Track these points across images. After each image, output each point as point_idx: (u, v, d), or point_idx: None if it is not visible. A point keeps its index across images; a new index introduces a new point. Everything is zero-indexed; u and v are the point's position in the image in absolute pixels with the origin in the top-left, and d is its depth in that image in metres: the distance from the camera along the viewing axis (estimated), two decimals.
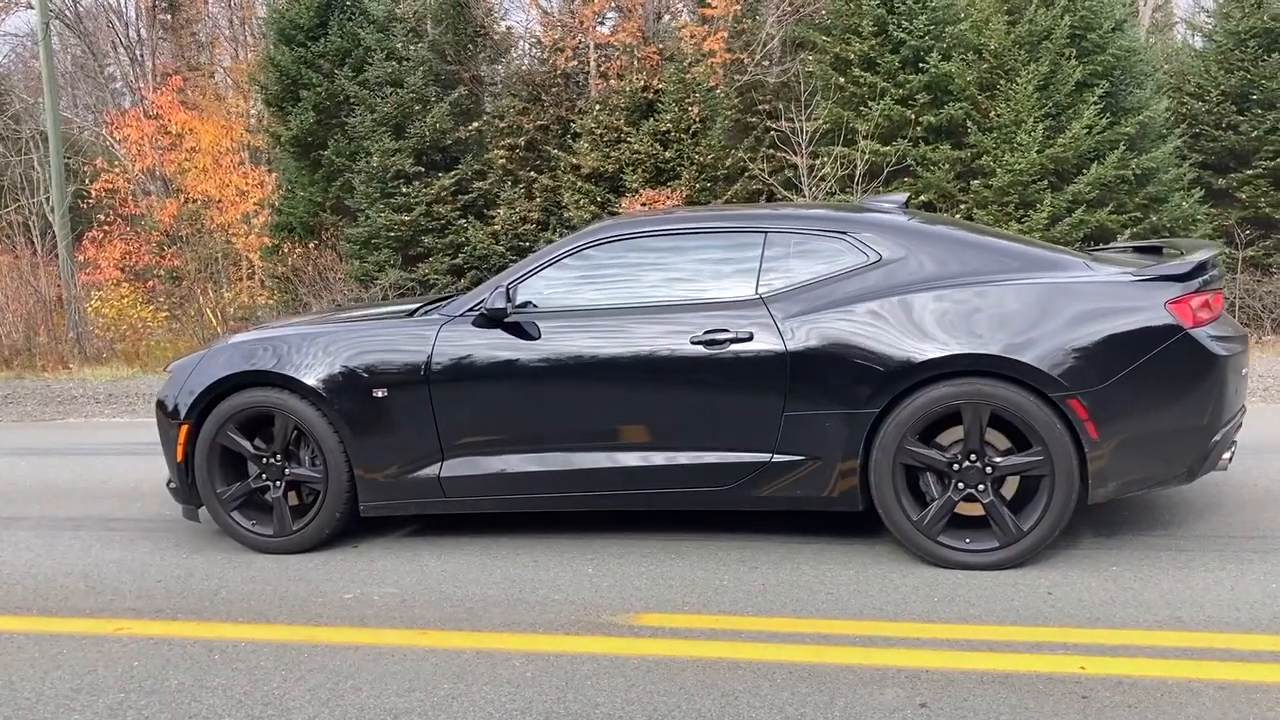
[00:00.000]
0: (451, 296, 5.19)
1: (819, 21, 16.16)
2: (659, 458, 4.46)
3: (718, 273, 4.55)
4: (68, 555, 5.03)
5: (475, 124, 17.27)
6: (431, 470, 4.66)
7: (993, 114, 14.25)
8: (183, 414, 4.87)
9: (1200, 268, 4.16)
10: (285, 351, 4.80)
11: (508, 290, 4.58)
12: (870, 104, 14.78)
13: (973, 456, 4.14)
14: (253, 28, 23.32)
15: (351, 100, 16.86)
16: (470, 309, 4.70)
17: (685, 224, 4.78)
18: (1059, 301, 4.11)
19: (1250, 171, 14.93)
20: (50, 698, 3.44)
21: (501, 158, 16.83)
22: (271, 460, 4.83)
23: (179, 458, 4.92)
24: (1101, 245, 6.96)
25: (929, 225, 4.65)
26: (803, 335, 4.28)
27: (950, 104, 14.55)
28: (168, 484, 5.14)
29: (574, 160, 16.33)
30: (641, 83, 16.27)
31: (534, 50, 18.70)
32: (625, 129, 16.15)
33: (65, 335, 16.98)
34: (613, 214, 15.46)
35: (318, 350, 4.77)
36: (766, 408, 4.32)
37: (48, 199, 19.64)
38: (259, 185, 17.95)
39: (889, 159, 14.54)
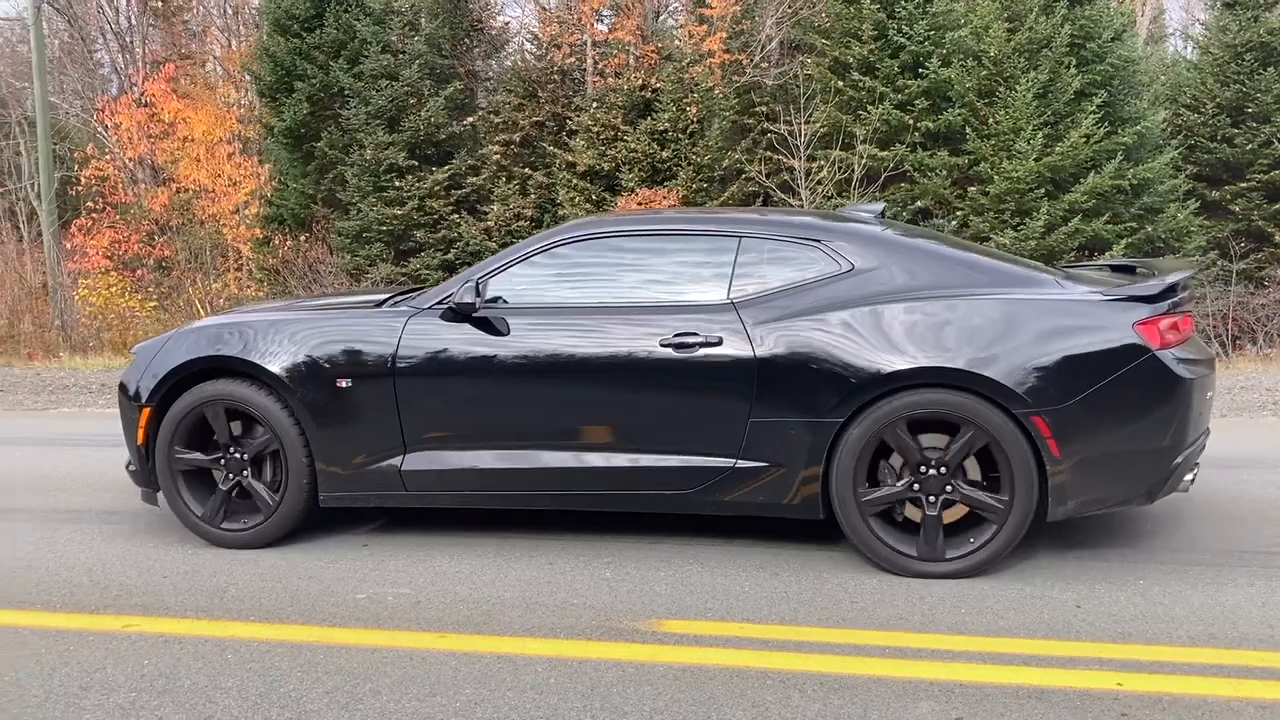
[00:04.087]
0: (422, 289, 5.12)
1: (818, 24, 16.13)
2: (622, 459, 4.44)
3: (691, 276, 4.53)
4: (69, 548, 4.93)
5: (470, 119, 17.18)
6: (394, 463, 4.62)
7: (991, 121, 14.26)
8: (144, 398, 4.82)
9: (1171, 290, 4.15)
10: (250, 337, 4.75)
11: (477, 285, 4.52)
12: (869, 108, 14.77)
13: (934, 467, 4.16)
14: (245, 17, 23.13)
15: (346, 93, 16.75)
16: (439, 302, 4.66)
17: (660, 225, 4.80)
18: (1027, 318, 4.11)
19: (1244, 184, 15.03)
20: (60, 695, 3.35)
21: (496, 153, 16.73)
22: (232, 452, 4.80)
23: (140, 440, 4.87)
24: (1077, 264, 7.06)
25: (903, 237, 4.64)
26: (771, 342, 4.27)
27: (949, 110, 14.56)
28: (126, 466, 5.08)
29: (570, 158, 16.26)
30: (639, 81, 16.21)
31: (531, 46, 18.59)
32: (622, 127, 16.08)
33: (51, 323, 16.80)
34: (606, 212, 15.40)
35: (283, 338, 4.72)
36: (733, 413, 4.31)
37: (34, 185, 19.40)
38: (251, 176, 17.78)
39: (887, 164, 14.53)
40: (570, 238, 4.69)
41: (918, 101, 14.62)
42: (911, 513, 4.27)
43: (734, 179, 15.88)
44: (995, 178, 13.95)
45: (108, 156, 19.29)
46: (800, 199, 14.70)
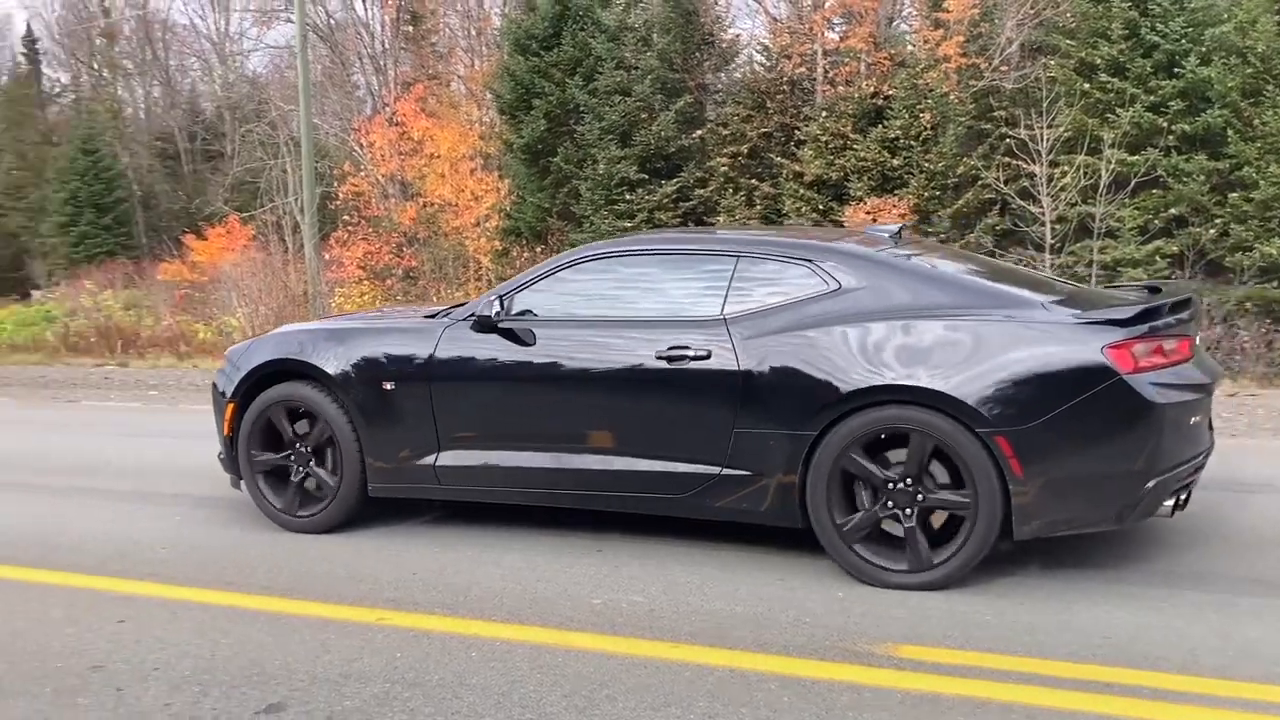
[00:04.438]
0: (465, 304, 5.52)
1: (1062, 25, 15.40)
2: (620, 463, 4.71)
3: (691, 293, 4.75)
4: (331, 544, 5.27)
5: (699, 131, 17.36)
6: (429, 460, 5.07)
7: (1257, 122, 13.20)
8: (229, 394, 5.44)
9: (1150, 313, 4.17)
10: (314, 344, 5.30)
11: (500, 299, 4.94)
12: (1117, 111, 13.99)
13: (907, 480, 4.24)
14: (488, 38, 24.23)
15: (581, 108, 17.26)
16: (469, 315, 5.05)
17: (665, 246, 5.10)
18: (998, 340, 4.15)
19: None
20: (323, 680, 3.59)
21: (724, 165, 16.83)
22: (298, 447, 5.36)
23: (226, 432, 5.50)
24: (1115, 285, 6.73)
25: (893, 258, 4.65)
26: (756, 357, 4.44)
27: (1208, 111, 13.59)
28: (218, 456, 5.64)
29: (797, 168, 16.17)
30: (871, 89, 15.94)
31: (760, 57, 18.61)
32: (852, 136, 15.86)
33: None
34: (836, 223, 15.23)
35: (341, 344, 5.25)
36: (719, 423, 4.50)
37: (298, 200, 20.98)
38: (492, 191, 18.61)
39: (1137, 169, 13.71)
40: (584, 257, 5.04)
41: (1172, 103, 13.72)
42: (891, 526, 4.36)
43: (968, 186, 15.35)
44: (1261, 183, 12.90)
45: (362, 173, 20.65)
46: (1041, 206, 14.05)
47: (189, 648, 3.93)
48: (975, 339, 4.16)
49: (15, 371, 13.54)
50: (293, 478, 5.39)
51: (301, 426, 5.37)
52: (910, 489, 4.22)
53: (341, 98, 26.90)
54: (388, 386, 5.10)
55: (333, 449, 5.26)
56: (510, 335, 4.91)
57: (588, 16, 17.83)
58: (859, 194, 15.38)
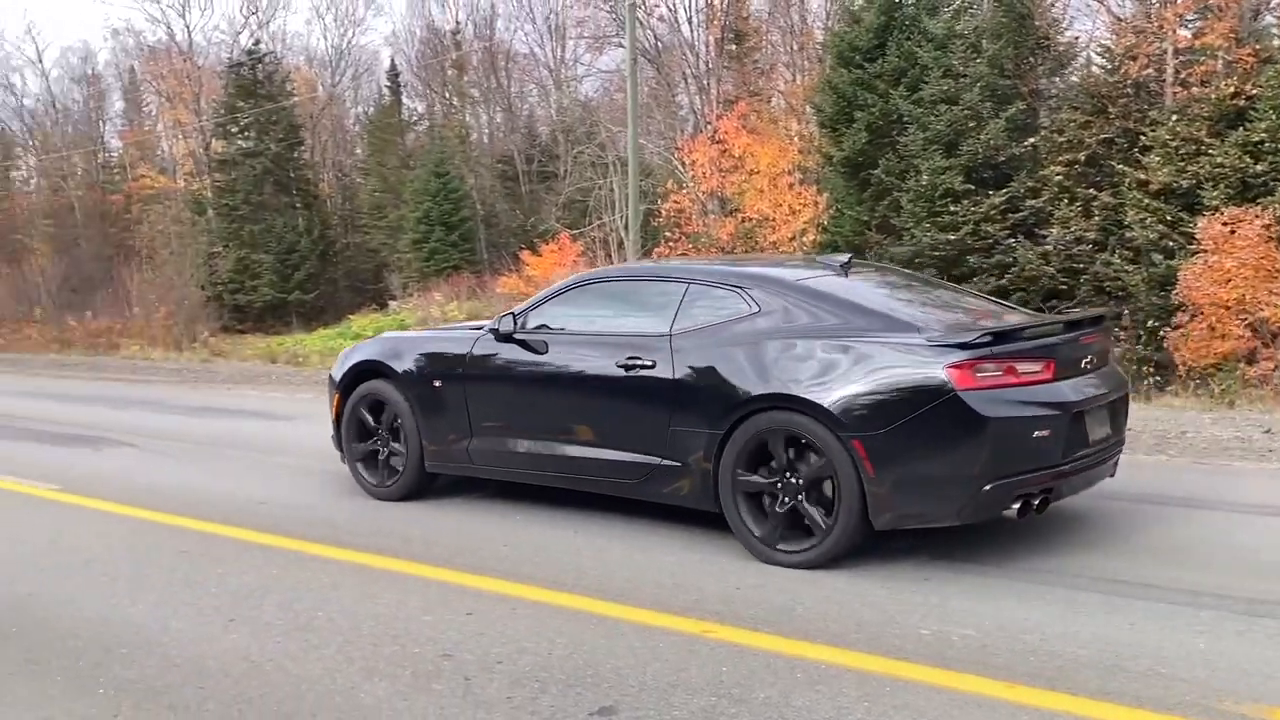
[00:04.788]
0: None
1: None
2: (593, 452, 5.71)
3: (651, 313, 5.66)
4: (660, 553, 5.39)
5: (1031, 139, 16.55)
6: (465, 444, 6.24)
7: None
8: (337, 385, 6.86)
9: (997, 337, 4.77)
10: (392, 349, 6.71)
11: (514, 316, 6.09)
12: None
13: (788, 474, 4.99)
14: (810, 53, 24.27)
15: (905, 119, 16.89)
16: (492, 328, 6.18)
17: (639, 274, 6.51)
18: (864, 358, 4.84)
19: None
20: (652, 688, 3.69)
21: (1058, 174, 15.93)
22: (381, 433, 6.67)
23: (334, 417, 6.89)
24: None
25: (805, 284, 5.42)
26: (686, 367, 5.30)
27: None
28: (332, 436, 6.97)
29: (1141, 175, 15.03)
30: (1231, 88, 14.56)
31: (1101, 59, 17.45)
32: (1206, 140, 14.56)
33: None
34: (1184, 234, 14.05)
35: (409, 349, 6.62)
36: (659, 421, 5.39)
37: (623, 218, 21.89)
38: (809, 205, 18.59)
39: None
40: (578, 283, 6.27)
41: None
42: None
43: None
44: None
45: (684, 190, 21.23)
46: None
47: (527, 644, 4.16)
48: (846, 356, 4.89)
49: None
50: (380, 457, 6.69)
51: (383, 416, 6.63)
52: (793, 482, 4.96)
53: (665, 117, 27.81)
54: (436, 384, 6.31)
55: (401, 433, 6.51)
56: (522, 345, 6.01)
57: (914, 26, 17.45)
58: (1214, 203, 14.05)
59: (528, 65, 41.08)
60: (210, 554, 5.69)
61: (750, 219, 19.28)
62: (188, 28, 41.25)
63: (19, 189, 47.43)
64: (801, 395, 4.89)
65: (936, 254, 16.10)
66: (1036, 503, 4.85)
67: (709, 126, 22.02)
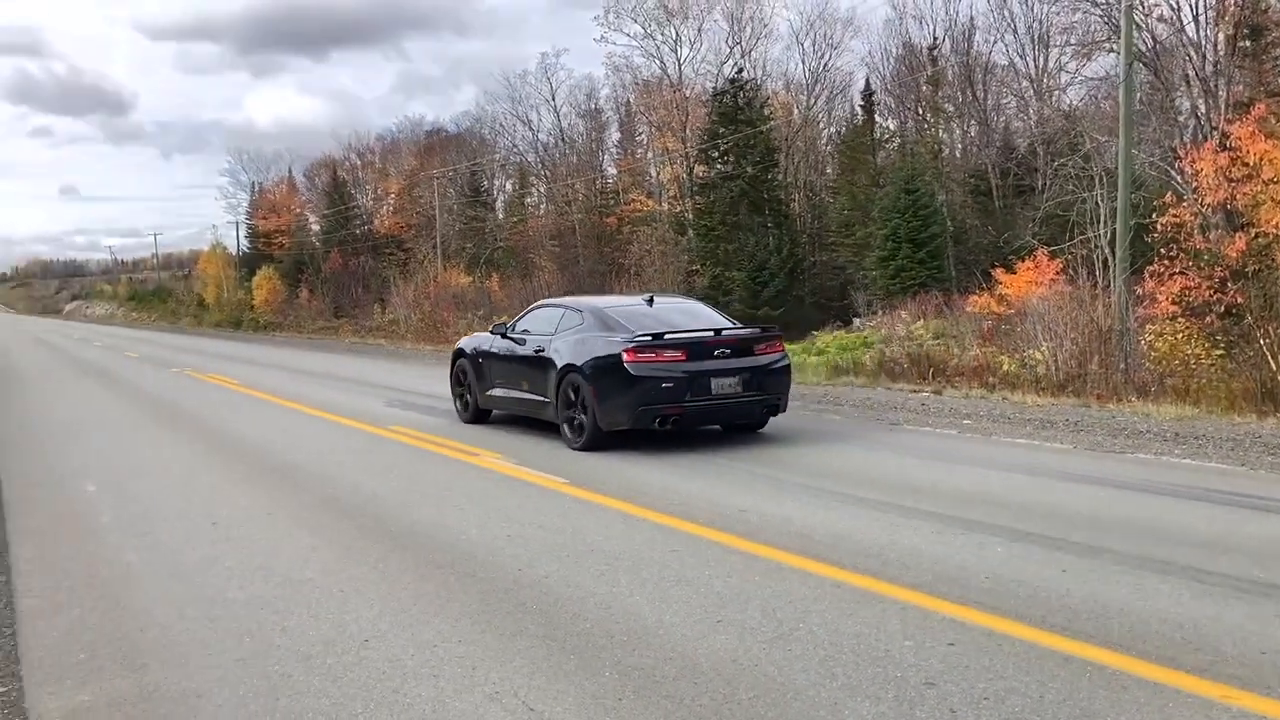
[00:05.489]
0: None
1: None
2: (531, 395, 11.01)
3: (552, 323, 11.12)
4: (1163, 601, 4.94)
5: None
6: (488, 393, 11.93)
7: None
8: (453, 359, 12.93)
9: (656, 337, 9.88)
10: (472, 342, 12.62)
11: (505, 324, 12.05)
12: None
13: (571, 399, 10.30)
14: None
15: None
16: (501, 331, 11.96)
17: (556, 303, 12.19)
18: (596, 344, 10.16)
19: None
20: None
21: None
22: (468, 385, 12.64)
23: (451, 378, 13.05)
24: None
25: (594, 306, 11.14)
26: (552, 352, 10.62)
27: None
28: (452, 389, 13.19)
29: None
30: None
31: None
32: None
33: (1115, 366, 17.34)
34: None
35: (477, 343, 12.46)
36: (548, 379, 10.58)
37: (1108, 233, 20.29)
38: None
39: None
40: (533, 308, 12.18)
41: None
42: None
43: None
44: None
45: (1184, 203, 19.28)
46: None
47: (1016, 683, 3.98)
48: (592, 343, 10.22)
49: (844, 392, 15.06)
50: (466, 395, 12.56)
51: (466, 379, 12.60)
52: (574, 402, 10.17)
53: (1161, 124, 25.47)
54: (480, 361, 12.06)
55: (470, 387, 12.34)
56: (508, 339, 11.60)
57: None
58: None
59: (1006, 77, 39.63)
60: (698, 555, 6.04)
61: (1266, 234, 17.05)
62: (679, 62, 44.17)
63: (531, 213, 53.69)
64: (570, 362, 10.25)
65: None
66: (671, 423, 9.79)
67: (1215, 132, 19.82)
